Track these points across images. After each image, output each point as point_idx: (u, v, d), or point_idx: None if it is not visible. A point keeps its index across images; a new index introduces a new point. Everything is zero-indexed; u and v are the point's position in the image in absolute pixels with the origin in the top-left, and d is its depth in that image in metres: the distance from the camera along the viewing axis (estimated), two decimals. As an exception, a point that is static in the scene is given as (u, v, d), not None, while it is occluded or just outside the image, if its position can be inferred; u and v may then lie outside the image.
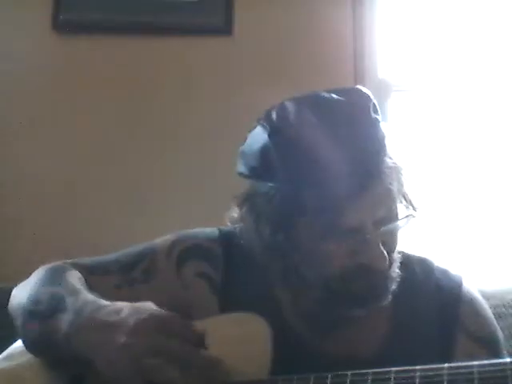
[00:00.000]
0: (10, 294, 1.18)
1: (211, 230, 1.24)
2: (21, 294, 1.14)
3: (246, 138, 1.13)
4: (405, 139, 2.24)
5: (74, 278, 1.13)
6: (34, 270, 1.19)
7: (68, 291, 1.07)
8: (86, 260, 1.22)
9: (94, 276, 1.19)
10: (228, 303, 1.16)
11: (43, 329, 1.06)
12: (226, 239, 1.21)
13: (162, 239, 1.23)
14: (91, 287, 1.15)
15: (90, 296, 1.06)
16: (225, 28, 2.22)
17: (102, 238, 1.97)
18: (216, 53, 2.23)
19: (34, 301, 1.09)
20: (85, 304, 1.03)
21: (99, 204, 2.14)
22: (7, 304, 1.17)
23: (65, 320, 1.02)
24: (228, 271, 1.19)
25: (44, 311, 1.06)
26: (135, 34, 2.23)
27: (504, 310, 1.65)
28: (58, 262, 1.20)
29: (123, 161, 2.18)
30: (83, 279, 1.15)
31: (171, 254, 1.20)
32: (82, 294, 1.07)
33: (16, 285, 1.20)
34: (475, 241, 2.26)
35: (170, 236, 1.23)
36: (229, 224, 1.20)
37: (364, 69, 2.26)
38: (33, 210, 2.14)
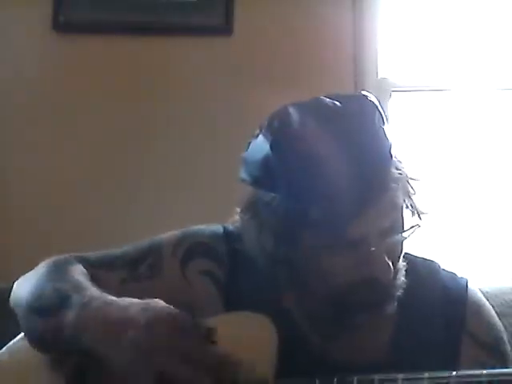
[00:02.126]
0: (9, 293, 1.18)
1: (216, 227, 1.22)
2: (23, 288, 1.13)
3: (248, 145, 1.11)
4: (405, 139, 2.24)
5: (78, 272, 1.12)
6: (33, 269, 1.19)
7: (73, 287, 1.06)
8: (91, 254, 1.21)
9: (100, 270, 1.17)
10: (232, 301, 1.15)
11: (47, 325, 1.04)
12: (231, 238, 1.19)
13: (168, 235, 1.22)
14: (96, 281, 1.14)
15: (95, 292, 1.05)
16: (225, 28, 2.22)
17: (102, 237, 1.96)
18: (216, 53, 2.23)
19: (38, 296, 1.08)
20: (90, 300, 1.02)
21: (99, 203, 2.14)
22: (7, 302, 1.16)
23: (70, 316, 1.01)
24: (233, 270, 1.18)
25: (48, 307, 1.05)
26: (135, 34, 2.23)
27: (504, 309, 1.65)
28: (62, 256, 1.18)
29: (123, 160, 2.18)
30: (87, 274, 1.14)
31: (177, 251, 1.19)
32: (87, 290, 1.05)
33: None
34: (475, 241, 2.26)
35: (176, 232, 1.21)
36: (231, 226, 1.19)
37: (364, 69, 2.26)
38: (33, 209, 2.14)
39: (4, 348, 1.15)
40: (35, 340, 1.08)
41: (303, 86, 2.13)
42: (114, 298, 1.03)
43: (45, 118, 2.19)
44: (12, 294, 1.16)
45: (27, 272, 1.18)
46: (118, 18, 2.21)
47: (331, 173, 1.00)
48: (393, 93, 2.26)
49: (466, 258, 2.22)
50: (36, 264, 1.18)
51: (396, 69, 2.31)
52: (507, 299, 1.70)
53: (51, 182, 2.16)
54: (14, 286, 1.17)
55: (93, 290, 1.06)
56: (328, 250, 1.03)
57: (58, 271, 1.12)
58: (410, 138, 2.27)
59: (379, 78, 2.27)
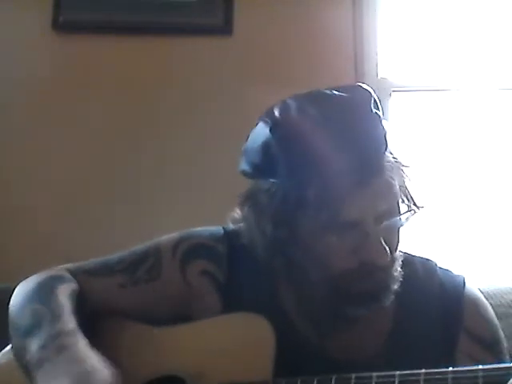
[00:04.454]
0: (9, 294, 1.18)
1: (216, 229, 1.23)
2: (16, 297, 1.14)
3: (248, 136, 1.13)
4: (405, 139, 2.24)
5: (65, 294, 1.12)
6: (33, 270, 1.19)
7: (50, 313, 1.07)
8: (90, 262, 1.22)
9: (97, 278, 1.19)
10: (231, 302, 1.16)
11: (17, 344, 1.07)
12: (231, 238, 1.20)
13: (167, 237, 1.23)
14: (92, 290, 1.16)
15: (67, 325, 1.05)
16: (225, 28, 2.23)
17: (102, 237, 1.97)
18: (216, 53, 2.23)
19: (17, 313, 1.10)
20: (57, 335, 1.03)
21: (100, 203, 2.14)
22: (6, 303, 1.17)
23: (34, 344, 1.03)
24: (232, 270, 1.19)
25: (22, 328, 1.07)
26: (135, 34, 2.23)
27: (504, 309, 1.65)
28: (57, 269, 1.19)
29: (123, 161, 2.18)
30: (76, 292, 1.14)
31: (176, 252, 1.20)
32: (60, 320, 1.06)
33: (15, 284, 1.19)
34: (475, 240, 2.26)
35: (175, 234, 1.23)
36: (231, 224, 1.20)
37: (364, 69, 2.26)
38: (33, 209, 2.14)
39: (2, 351, 1.15)
40: (13, 351, 1.10)
41: (303, 86, 2.11)
42: (77, 339, 1.03)
43: (45, 117, 2.19)
44: (12, 296, 1.16)
45: (27, 272, 1.18)
46: (118, 18, 2.21)
47: (328, 154, 1.01)
48: (393, 93, 2.26)
49: (466, 258, 2.22)
50: (35, 264, 1.18)
51: (396, 69, 2.31)
52: (507, 299, 1.70)
53: (51, 182, 2.16)
54: (16, 289, 1.17)
55: (66, 322, 1.06)
56: (325, 232, 1.04)
57: (45, 292, 1.12)
58: (409, 137, 2.27)
59: (379, 77, 2.27)
